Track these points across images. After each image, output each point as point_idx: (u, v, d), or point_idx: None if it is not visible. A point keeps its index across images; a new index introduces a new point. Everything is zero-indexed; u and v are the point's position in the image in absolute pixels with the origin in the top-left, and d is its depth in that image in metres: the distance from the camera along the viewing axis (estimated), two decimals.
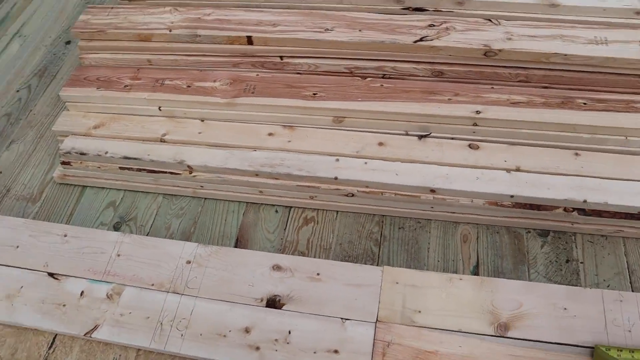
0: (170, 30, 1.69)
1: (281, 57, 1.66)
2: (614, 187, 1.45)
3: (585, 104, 1.56)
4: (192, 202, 1.63)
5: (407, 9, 1.70)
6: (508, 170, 1.48)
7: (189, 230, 1.57)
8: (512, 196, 1.43)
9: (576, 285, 1.40)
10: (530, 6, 1.66)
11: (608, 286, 1.42)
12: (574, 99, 1.58)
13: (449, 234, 1.51)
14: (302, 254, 1.49)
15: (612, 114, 1.54)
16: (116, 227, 1.61)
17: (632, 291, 1.40)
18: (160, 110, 1.65)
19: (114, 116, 1.70)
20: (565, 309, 1.27)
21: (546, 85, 1.62)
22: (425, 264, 1.45)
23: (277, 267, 1.33)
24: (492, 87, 1.60)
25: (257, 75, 1.66)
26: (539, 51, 1.56)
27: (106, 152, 1.60)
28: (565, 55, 1.55)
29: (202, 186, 1.61)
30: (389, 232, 1.51)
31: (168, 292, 1.33)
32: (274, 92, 1.60)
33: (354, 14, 1.68)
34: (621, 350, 1.20)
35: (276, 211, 1.57)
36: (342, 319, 1.25)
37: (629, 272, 1.46)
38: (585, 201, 1.42)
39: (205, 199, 1.63)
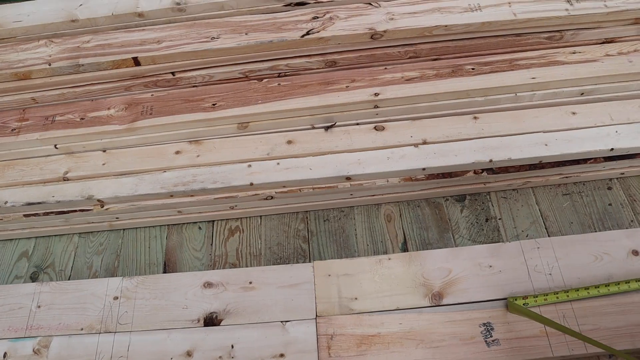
0: (49, 64, 1.61)
1: (173, 73, 1.63)
2: (514, 142, 1.54)
3: (473, 69, 1.64)
4: (111, 235, 1.57)
5: (289, 5, 1.72)
6: (416, 145, 1.53)
7: (112, 266, 1.51)
8: (424, 169, 1.48)
9: (498, 242, 1.48)
10: None
11: (527, 236, 1.50)
12: (463, 66, 1.66)
13: (373, 216, 1.55)
14: (234, 265, 1.47)
15: (499, 75, 1.63)
16: (34, 278, 1.52)
17: (548, 236, 1.50)
18: (56, 148, 1.58)
19: (6, 163, 1.60)
20: (490, 266, 1.34)
21: (435, 57, 1.68)
22: (355, 251, 1.48)
23: (208, 284, 1.31)
24: (386, 68, 1.65)
25: (152, 95, 1.62)
26: (422, 26, 1.62)
27: (6, 202, 1.51)
28: (446, 26, 1.62)
29: (117, 217, 1.55)
30: (315, 227, 1.52)
31: (100, 333, 1.28)
32: (173, 110, 1.57)
33: (237, 18, 1.68)
34: (526, 298, 1.28)
35: (199, 228, 1.54)
36: (282, 322, 1.25)
37: (542, 219, 1.55)
38: (490, 161, 1.50)
39: (124, 229, 1.58)
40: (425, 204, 1.57)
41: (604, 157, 1.58)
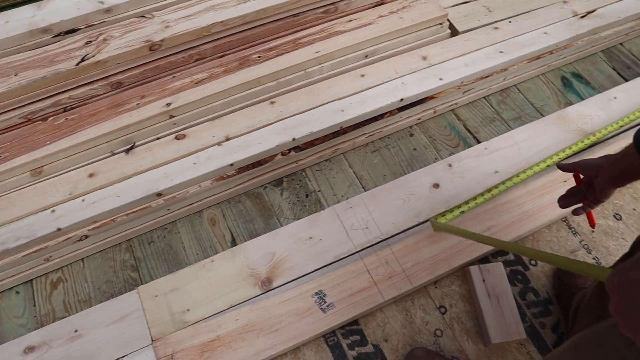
0: None
1: None
2: (312, 116, 1.62)
3: (259, 57, 1.70)
4: None
5: (58, 35, 1.65)
6: (219, 144, 1.55)
7: None
8: (232, 164, 1.51)
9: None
10: None
11: (347, 199, 1.58)
12: (249, 56, 1.71)
13: (197, 224, 1.55)
14: (64, 319, 1.40)
15: (284, 57, 1.70)
16: None
17: (365, 192, 1.59)
18: None
19: None
20: (310, 237, 1.40)
21: (221, 54, 1.72)
22: (187, 264, 1.47)
23: (29, 349, 1.24)
24: (174, 77, 1.65)
25: None
26: (199, 27, 1.64)
27: None
28: (222, 21, 1.66)
29: None
30: (141, 252, 1.50)
31: None
32: None
33: (4, 60, 1.59)
34: (444, 215, 1.43)
35: (17, 292, 1.45)
36: (118, 359, 1.21)
37: (358, 179, 1.65)
38: (293, 139, 1.56)
39: None
40: (245, 197, 1.60)
41: (397, 109, 1.71)
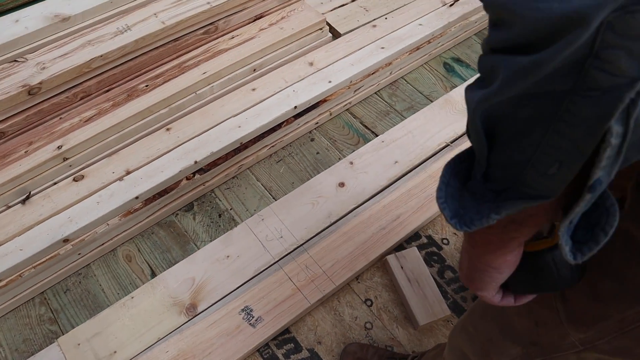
0: None
1: None
2: (210, 136, 1.64)
3: (147, 86, 1.69)
4: None
5: None
6: (121, 179, 1.54)
7: None
8: (137, 197, 1.50)
9: None
10: (44, 30, 1.68)
11: (259, 212, 1.61)
12: (136, 86, 1.70)
13: (113, 263, 1.52)
14: None
15: (172, 82, 1.71)
16: None
17: (275, 202, 1.63)
18: None
19: None
20: (228, 256, 1.42)
21: (107, 88, 1.69)
22: (109, 304, 1.44)
23: None
24: (60, 118, 1.61)
25: None
26: (77, 64, 1.61)
27: None
28: (101, 56, 1.64)
29: None
30: (57, 303, 1.45)
31: None
32: None
33: None
34: None
35: None
36: None
37: (267, 190, 1.69)
38: (195, 162, 1.57)
39: None
40: (158, 227, 1.59)
41: (293, 116, 1.77)
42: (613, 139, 0.38)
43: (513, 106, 0.41)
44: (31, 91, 1.55)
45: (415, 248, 1.50)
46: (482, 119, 0.44)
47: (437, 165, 1.61)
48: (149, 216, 1.56)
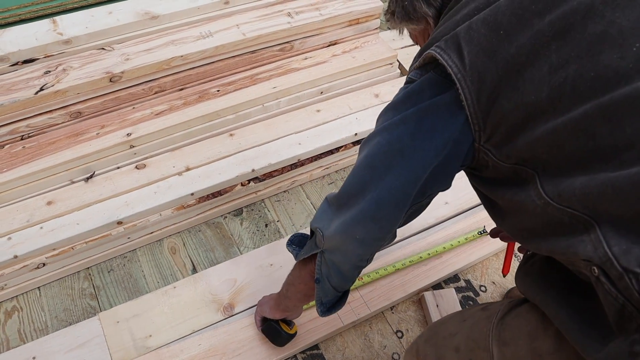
0: None
1: None
2: (271, 148, 1.73)
3: (218, 90, 1.80)
4: None
5: (16, 64, 1.70)
6: (180, 174, 1.63)
7: None
8: (192, 194, 1.59)
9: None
10: (133, 25, 1.82)
11: (306, 229, 1.68)
12: (208, 90, 1.81)
13: (157, 253, 1.61)
14: (20, 346, 1.41)
15: (243, 91, 1.82)
16: None
17: None
18: None
19: None
20: (271, 265, 1.49)
21: (180, 87, 1.81)
22: (147, 291, 1.52)
23: None
24: (134, 107, 1.73)
25: None
26: (158, 61, 1.73)
27: None
28: (182, 56, 1.76)
29: None
30: (100, 281, 1.54)
31: None
32: None
33: None
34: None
35: None
36: None
37: (315, 210, 1.75)
38: (253, 170, 1.66)
39: None
40: (205, 226, 1.67)
41: (352, 142, 1.85)
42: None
43: None
44: (112, 79, 1.67)
45: (453, 289, 1.53)
46: None
47: (486, 214, 1.65)
48: (200, 214, 1.65)
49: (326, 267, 0.89)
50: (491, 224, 1.67)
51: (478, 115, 0.65)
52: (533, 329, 0.71)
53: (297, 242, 1.02)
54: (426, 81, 0.73)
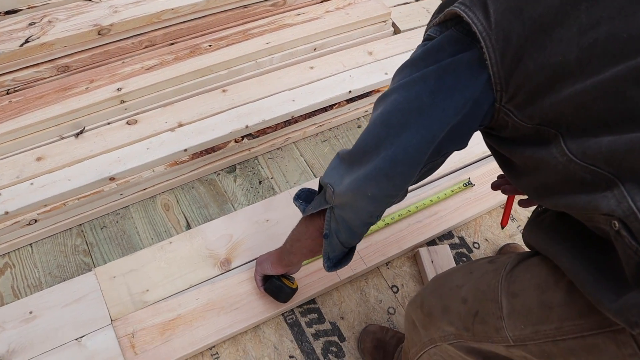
0: None
1: None
2: (264, 105, 1.71)
3: (210, 45, 1.77)
4: None
5: None
6: (172, 130, 1.61)
7: None
8: (185, 150, 1.57)
9: None
10: None
11: (299, 185, 1.68)
12: (200, 44, 1.77)
13: (151, 209, 1.59)
14: (16, 301, 1.41)
15: (235, 46, 1.78)
16: None
17: (315, 179, 1.69)
18: None
19: None
20: (267, 220, 1.48)
21: (171, 41, 1.77)
22: (141, 248, 1.51)
23: None
24: (123, 62, 1.69)
25: None
26: (148, 14, 1.69)
27: None
28: (172, 9, 1.71)
29: None
30: (93, 237, 1.52)
31: None
32: None
33: None
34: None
35: None
36: (76, 339, 1.25)
37: (309, 167, 1.75)
38: (246, 126, 1.64)
39: None
40: (199, 183, 1.66)
41: (346, 100, 1.83)
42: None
43: None
44: (101, 31, 1.63)
45: (447, 246, 1.55)
46: None
47: (480, 171, 1.67)
48: (193, 170, 1.63)
49: (335, 223, 0.88)
50: (477, 177, 1.69)
51: (501, 75, 0.64)
52: (543, 281, 0.71)
53: (304, 197, 1.01)
54: (446, 38, 0.71)
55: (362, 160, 0.79)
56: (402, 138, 0.72)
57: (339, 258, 0.98)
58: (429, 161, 0.76)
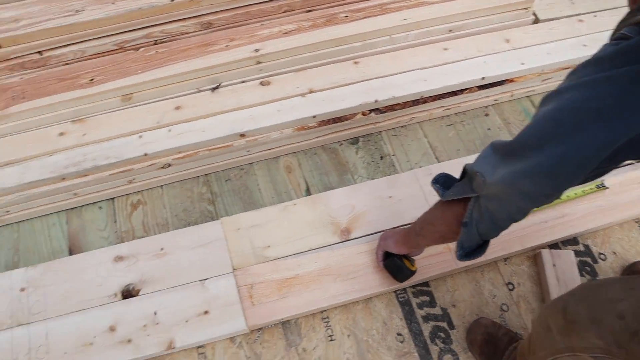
0: None
1: (40, 52, 1.60)
2: (395, 81, 1.69)
3: (347, 16, 1.77)
4: (4, 231, 1.52)
5: None
6: (303, 95, 1.63)
7: (12, 260, 1.47)
8: (314, 116, 1.59)
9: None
10: None
11: (420, 167, 1.66)
12: (337, 14, 1.78)
13: (273, 169, 1.63)
14: (151, 236, 1.50)
15: (371, 20, 1.77)
16: None
17: (438, 163, 1.67)
18: None
19: None
20: (390, 197, 1.48)
21: (309, 9, 1.79)
22: (261, 205, 1.56)
23: (118, 258, 1.34)
24: (262, 24, 1.73)
25: (21, 78, 1.58)
26: None
27: None
28: None
29: (7, 211, 1.50)
30: (218, 188, 1.58)
31: (12, 327, 1.26)
32: (48, 90, 1.55)
33: None
34: None
35: (100, 208, 1.55)
36: (200, 281, 1.31)
37: (431, 149, 1.73)
38: (376, 101, 1.64)
39: (19, 222, 1.53)
40: (321, 150, 1.68)
41: (477, 86, 1.78)
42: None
43: None
44: None
45: (572, 252, 1.48)
46: None
47: (617, 179, 1.57)
48: (318, 137, 1.65)
49: (478, 213, 0.86)
50: (612, 186, 1.59)
51: None
52: None
53: (441, 182, 0.99)
54: None
55: (521, 154, 0.76)
56: (574, 138, 0.68)
57: (471, 249, 0.96)
58: (598, 167, 0.71)
